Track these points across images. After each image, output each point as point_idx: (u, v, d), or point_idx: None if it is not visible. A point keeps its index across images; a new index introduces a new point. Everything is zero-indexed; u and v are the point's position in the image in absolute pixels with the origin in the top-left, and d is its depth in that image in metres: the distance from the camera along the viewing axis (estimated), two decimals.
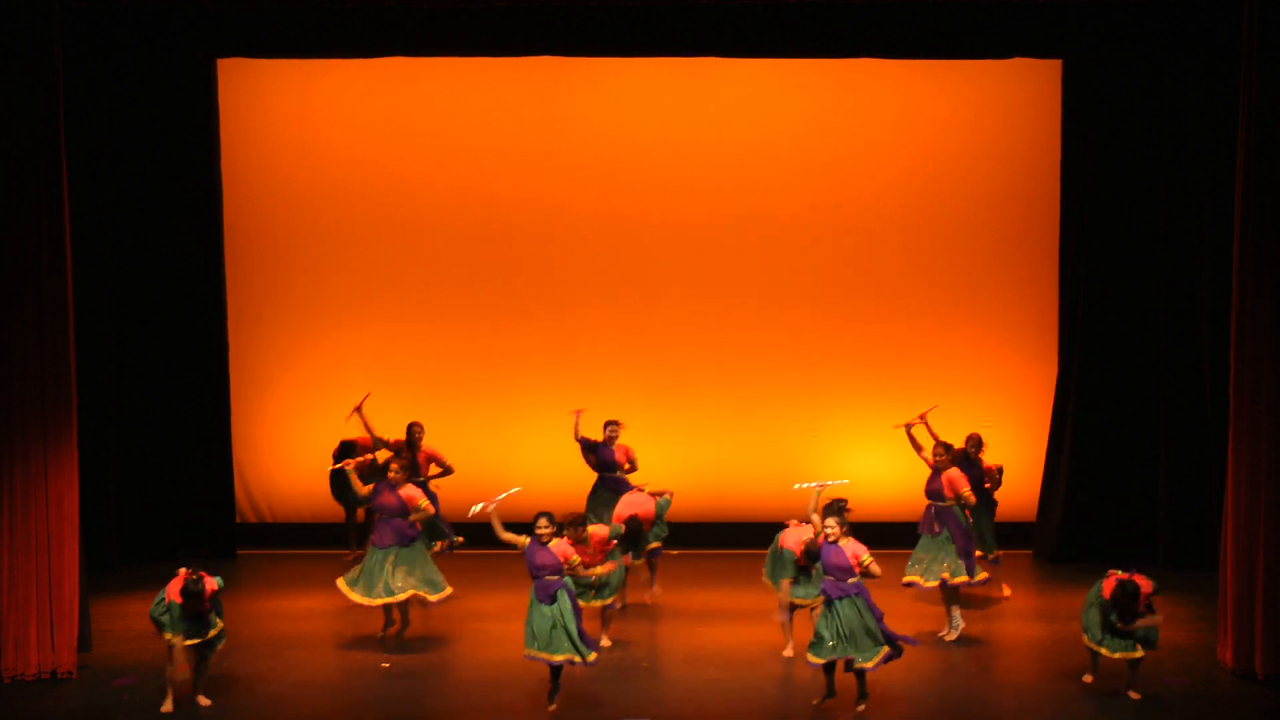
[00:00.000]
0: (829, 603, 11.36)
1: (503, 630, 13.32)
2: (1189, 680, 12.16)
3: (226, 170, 16.12)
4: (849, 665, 11.39)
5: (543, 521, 11.55)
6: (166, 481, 16.10)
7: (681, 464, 15.13)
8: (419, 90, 16.33)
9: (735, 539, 15.95)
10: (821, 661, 11.43)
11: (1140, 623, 11.51)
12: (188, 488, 16.12)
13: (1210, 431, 14.81)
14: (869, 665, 11.28)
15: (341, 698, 11.89)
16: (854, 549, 11.34)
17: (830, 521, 11.41)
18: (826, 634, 11.35)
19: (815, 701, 11.57)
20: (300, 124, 16.38)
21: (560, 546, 11.58)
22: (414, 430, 14.54)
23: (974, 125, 16.31)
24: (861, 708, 11.39)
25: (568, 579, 11.56)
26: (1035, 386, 16.24)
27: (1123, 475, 15.59)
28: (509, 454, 16.31)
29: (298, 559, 15.94)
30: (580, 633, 11.42)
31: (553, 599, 11.43)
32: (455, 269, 16.49)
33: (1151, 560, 15.58)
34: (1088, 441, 15.73)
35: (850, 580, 11.29)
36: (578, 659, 11.38)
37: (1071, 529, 15.79)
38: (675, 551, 15.27)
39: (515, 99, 16.29)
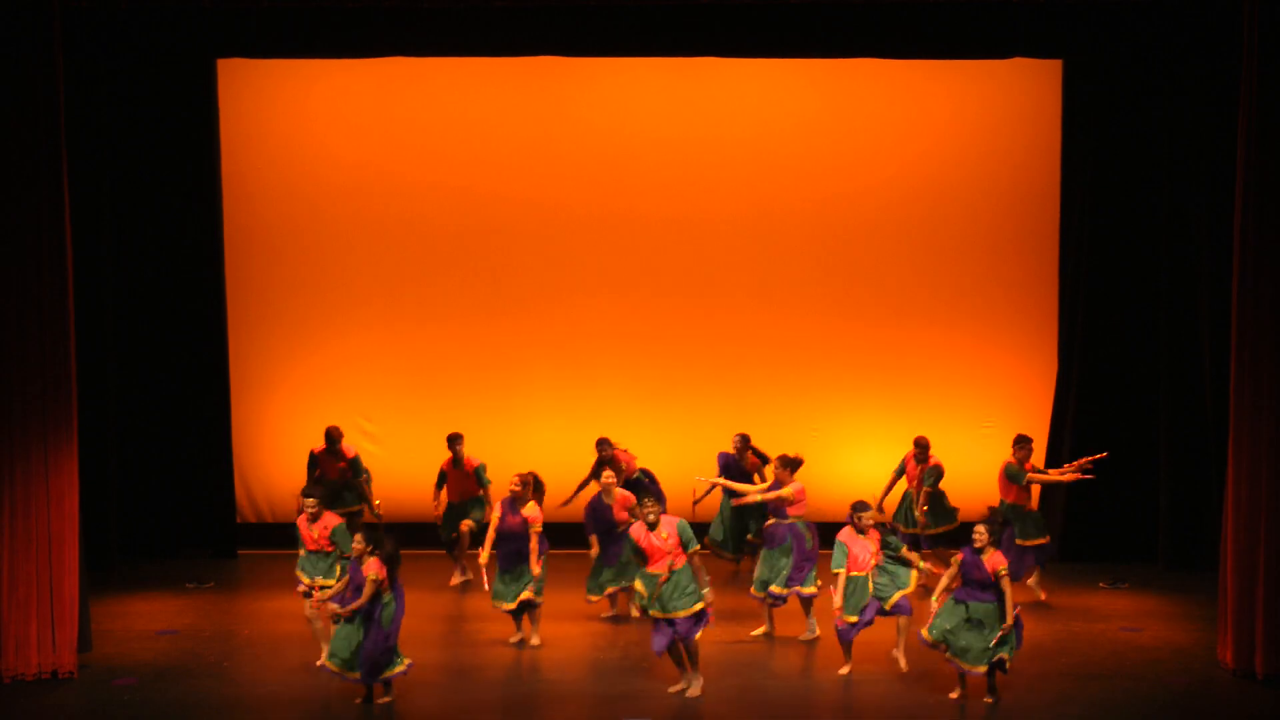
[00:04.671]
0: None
1: (502, 630, 13.33)
2: (1189, 680, 12.16)
3: (226, 170, 16.12)
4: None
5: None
6: (166, 481, 16.11)
7: (681, 463, 15.10)
8: (419, 90, 16.32)
9: None
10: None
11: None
12: (188, 488, 16.12)
13: (1210, 431, 14.81)
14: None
15: (342, 698, 11.87)
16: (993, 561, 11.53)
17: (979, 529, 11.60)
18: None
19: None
20: (300, 124, 16.36)
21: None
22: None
23: (974, 125, 16.30)
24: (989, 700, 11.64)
25: None
26: (1035, 386, 16.24)
27: (1123, 475, 15.58)
28: (510, 454, 16.28)
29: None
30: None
31: None
32: (456, 269, 16.49)
33: (1152, 560, 15.61)
34: (1088, 441, 15.69)
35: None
36: None
37: (1071, 529, 15.79)
38: None
39: (515, 99, 16.28)
